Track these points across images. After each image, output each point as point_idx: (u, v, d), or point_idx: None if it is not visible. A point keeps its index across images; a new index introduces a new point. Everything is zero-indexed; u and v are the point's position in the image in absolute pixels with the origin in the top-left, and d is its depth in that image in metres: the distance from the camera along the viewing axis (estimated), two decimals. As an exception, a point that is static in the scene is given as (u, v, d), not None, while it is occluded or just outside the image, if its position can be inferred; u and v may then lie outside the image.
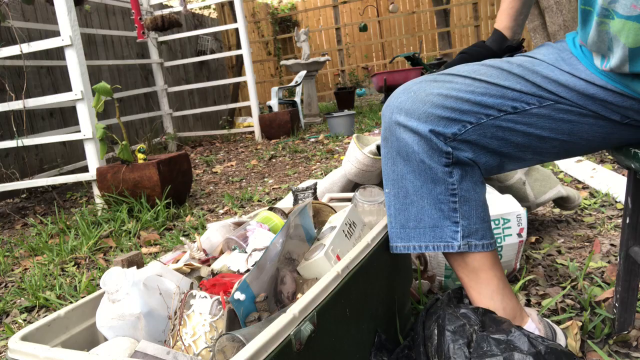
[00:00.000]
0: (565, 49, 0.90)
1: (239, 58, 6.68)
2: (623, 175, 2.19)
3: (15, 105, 2.99)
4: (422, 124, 0.85)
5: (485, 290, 0.89)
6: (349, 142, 4.25)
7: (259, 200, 2.75)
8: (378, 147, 1.58)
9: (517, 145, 0.87)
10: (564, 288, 1.30)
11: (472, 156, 0.87)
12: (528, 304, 1.25)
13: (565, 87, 0.84)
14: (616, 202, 1.94)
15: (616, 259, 1.44)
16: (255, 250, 0.98)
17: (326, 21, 11.41)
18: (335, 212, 1.15)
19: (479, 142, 0.86)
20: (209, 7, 7.69)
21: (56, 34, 2.87)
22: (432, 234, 0.89)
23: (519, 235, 1.28)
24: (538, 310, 1.03)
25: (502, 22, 1.05)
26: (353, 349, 0.86)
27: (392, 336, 1.03)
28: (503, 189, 1.60)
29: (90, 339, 0.86)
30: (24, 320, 1.59)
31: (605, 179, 2.16)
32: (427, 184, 0.87)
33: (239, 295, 0.78)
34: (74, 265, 2.00)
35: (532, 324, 0.91)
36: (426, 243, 0.90)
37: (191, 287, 0.93)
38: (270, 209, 1.18)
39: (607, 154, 2.66)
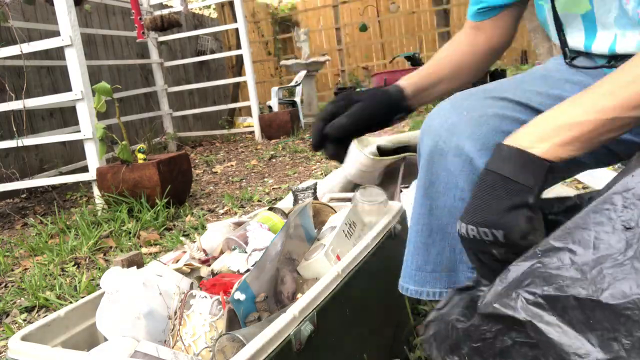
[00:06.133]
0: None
1: (239, 58, 6.68)
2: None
3: (15, 105, 2.99)
4: (477, 154, 0.73)
5: None
6: (349, 142, 4.23)
7: (259, 200, 2.75)
8: (378, 148, 1.58)
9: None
10: (563, 288, 1.30)
11: None
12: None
13: None
14: (616, 202, 1.94)
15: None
16: (255, 250, 0.98)
17: (326, 21, 11.41)
18: (335, 212, 1.15)
19: None
20: (209, 7, 7.69)
21: (56, 34, 2.87)
22: (447, 279, 0.81)
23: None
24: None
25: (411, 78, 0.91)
26: (353, 349, 0.86)
27: (391, 336, 1.03)
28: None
29: (90, 339, 0.86)
30: (24, 320, 1.59)
31: (605, 180, 2.16)
32: (455, 224, 0.77)
33: (239, 295, 0.78)
34: (74, 265, 2.00)
35: None
36: (440, 289, 0.82)
37: (191, 287, 0.93)
38: (270, 209, 1.18)
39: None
